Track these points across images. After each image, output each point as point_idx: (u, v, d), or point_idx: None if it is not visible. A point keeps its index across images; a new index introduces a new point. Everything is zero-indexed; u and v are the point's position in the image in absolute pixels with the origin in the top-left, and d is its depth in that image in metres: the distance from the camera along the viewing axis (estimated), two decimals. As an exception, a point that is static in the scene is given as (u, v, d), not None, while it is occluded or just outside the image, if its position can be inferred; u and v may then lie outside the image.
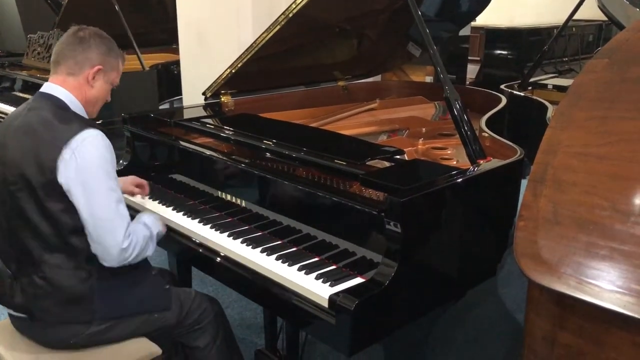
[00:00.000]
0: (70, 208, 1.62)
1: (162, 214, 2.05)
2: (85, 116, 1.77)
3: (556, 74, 4.44)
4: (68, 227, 1.64)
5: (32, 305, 1.70)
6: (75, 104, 1.74)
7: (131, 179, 2.11)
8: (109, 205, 1.63)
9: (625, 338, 1.10)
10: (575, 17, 3.57)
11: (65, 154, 1.59)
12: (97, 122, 3.18)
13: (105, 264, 1.67)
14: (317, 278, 1.57)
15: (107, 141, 1.67)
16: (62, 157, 1.59)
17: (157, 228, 1.83)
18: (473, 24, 5.05)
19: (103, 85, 1.79)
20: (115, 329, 1.73)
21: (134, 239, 1.68)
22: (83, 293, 1.68)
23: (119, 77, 1.86)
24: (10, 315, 1.81)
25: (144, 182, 2.14)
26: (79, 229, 1.64)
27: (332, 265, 1.64)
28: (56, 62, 1.76)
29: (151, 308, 1.78)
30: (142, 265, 1.78)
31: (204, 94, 2.56)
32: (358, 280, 1.56)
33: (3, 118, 3.96)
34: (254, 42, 2.31)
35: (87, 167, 1.60)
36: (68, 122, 1.65)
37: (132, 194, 2.12)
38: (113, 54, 1.80)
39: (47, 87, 1.75)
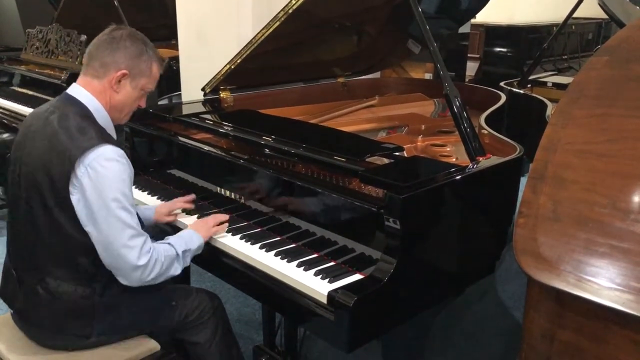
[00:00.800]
0: (80, 228, 1.58)
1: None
2: (110, 123, 1.70)
3: (555, 72, 4.44)
4: (76, 245, 1.60)
5: (31, 312, 1.68)
6: (99, 111, 1.67)
7: (163, 210, 1.99)
8: (122, 229, 1.55)
9: (624, 335, 1.10)
10: (575, 14, 3.57)
11: (78, 169, 1.53)
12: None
13: (126, 283, 1.61)
14: (316, 274, 1.57)
15: (124, 157, 1.59)
16: (74, 173, 1.54)
17: (187, 246, 1.72)
18: (473, 21, 5.05)
19: (130, 91, 1.70)
20: (113, 339, 1.72)
21: (154, 256, 1.60)
22: (84, 309, 1.65)
23: (153, 83, 1.75)
24: (12, 313, 1.80)
25: (174, 205, 2.02)
26: (88, 249, 1.59)
27: (331, 262, 1.64)
28: (86, 63, 1.69)
29: (152, 325, 1.77)
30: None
31: (203, 89, 2.55)
32: (357, 276, 1.56)
33: (2, 113, 3.97)
34: (254, 38, 2.31)
35: (100, 187, 1.53)
36: (86, 133, 1.58)
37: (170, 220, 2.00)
38: (145, 57, 1.69)
39: (73, 90, 1.68)
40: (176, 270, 1.68)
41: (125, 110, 1.74)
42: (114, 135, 1.73)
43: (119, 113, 1.73)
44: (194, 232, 1.78)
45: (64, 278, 1.63)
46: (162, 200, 2.14)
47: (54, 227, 1.60)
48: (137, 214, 1.67)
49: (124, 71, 1.67)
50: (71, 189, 1.55)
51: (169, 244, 1.70)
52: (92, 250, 1.60)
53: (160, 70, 1.77)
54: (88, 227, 1.57)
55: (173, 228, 1.98)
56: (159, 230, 2.01)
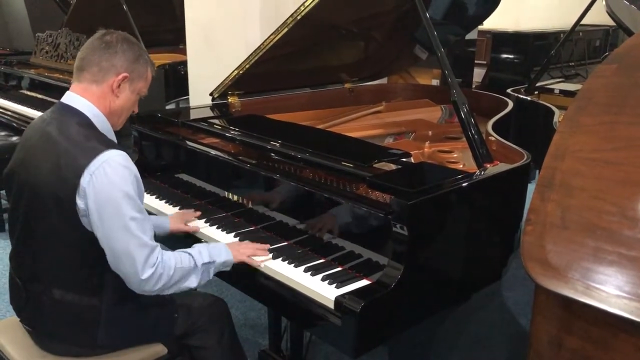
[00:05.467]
0: (85, 238, 1.55)
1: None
2: (110, 129, 1.67)
3: (562, 79, 4.43)
4: (80, 257, 1.58)
5: (37, 321, 1.68)
6: (98, 118, 1.63)
7: (177, 217, 1.98)
8: (126, 236, 1.51)
9: (631, 343, 1.10)
10: (582, 21, 3.57)
11: (83, 178, 1.49)
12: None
13: (134, 290, 1.59)
14: (323, 279, 1.58)
15: (129, 161, 1.54)
16: (80, 185, 1.49)
17: (212, 258, 1.67)
18: (480, 27, 5.05)
19: (129, 95, 1.67)
20: (118, 348, 1.71)
21: (159, 270, 1.55)
22: (89, 319, 1.63)
23: (147, 87, 1.73)
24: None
25: (189, 214, 2.02)
26: (92, 260, 1.57)
27: (338, 267, 1.65)
28: (79, 68, 1.64)
29: (156, 337, 1.77)
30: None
31: (211, 94, 2.56)
32: (364, 282, 1.56)
33: (9, 116, 4.01)
34: (262, 43, 2.32)
35: (105, 195, 1.49)
36: (87, 143, 1.54)
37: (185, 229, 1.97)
38: (141, 61, 1.68)
39: (68, 98, 1.64)
40: (191, 282, 1.64)
41: (124, 114, 1.72)
42: (115, 141, 1.69)
43: (118, 118, 1.70)
44: (225, 247, 1.72)
45: (69, 288, 1.61)
46: (169, 204, 2.15)
47: (57, 240, 1.58)
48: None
49: (124, 74, 1.64)
50: (77, 200, 1.51)
51: (189, 254, 1.65)
52: (97, 261, 1.57)
53: (153, 74, 1.75)
54: (97, 234, 1.54)
55: (192, 239, 1.95)
56: (176, 239, 1.98)
